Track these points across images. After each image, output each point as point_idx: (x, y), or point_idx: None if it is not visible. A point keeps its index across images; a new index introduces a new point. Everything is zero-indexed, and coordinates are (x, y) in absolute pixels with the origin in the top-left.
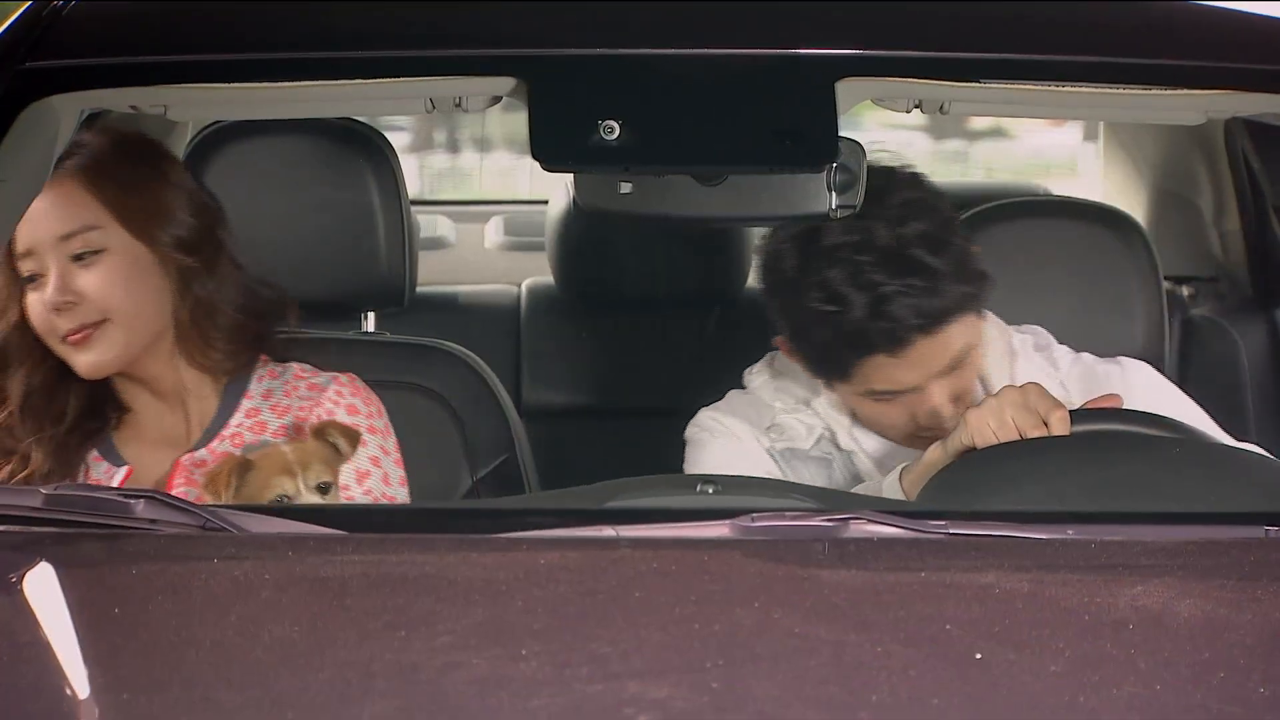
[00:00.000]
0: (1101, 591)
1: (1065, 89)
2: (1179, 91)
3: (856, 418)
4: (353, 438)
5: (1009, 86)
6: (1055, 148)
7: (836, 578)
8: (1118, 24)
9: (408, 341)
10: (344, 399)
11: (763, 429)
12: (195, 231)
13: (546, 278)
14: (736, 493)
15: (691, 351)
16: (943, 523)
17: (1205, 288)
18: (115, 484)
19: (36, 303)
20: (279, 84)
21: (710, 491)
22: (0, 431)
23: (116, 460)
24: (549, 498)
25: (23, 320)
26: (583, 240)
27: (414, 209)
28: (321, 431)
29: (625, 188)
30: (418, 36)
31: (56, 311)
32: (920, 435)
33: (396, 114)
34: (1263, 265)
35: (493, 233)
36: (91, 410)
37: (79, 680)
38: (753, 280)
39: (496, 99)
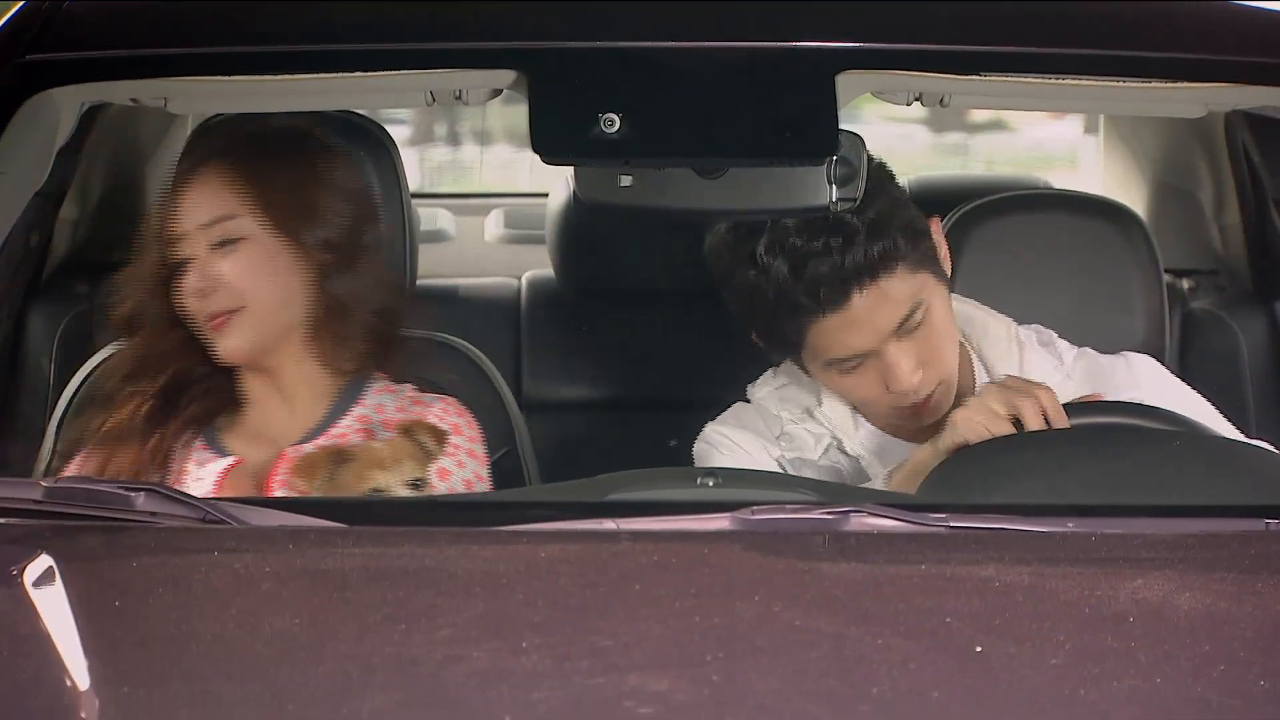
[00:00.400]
0: (1102, 585)
1: (1066, 82)
2: (1179, 85)
3: (859, 410)
4: (439, 436)
5: (1009, 80)
6: (1055, 141)
7: (837, 571)
8: (1118, 17)
9: (408, 334)
10: (449, 417)
11: (772, 438)
12: (343, 231)
13: (547, 271)
14: (737, 485)
15: (692, 344)
16: (943, 516)
17: (1205, 281)
18: (219, 471)
19: (184, 288)
20: (280, 77)
21: (711, 484)
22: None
23: (221, 450)
24: (549, 491)
25: (152, 297)
26: (583, 233)
27: (414, 202)
28: (409, 430)
29: (625, 181)
30: (418, 29)
31: (198, 296)
32: (901, 408)
33: (397, 107)
34: (1263, 258)
35: (493, 226)
36: (195, 391)
37: (79, 673)
38: None
39: (497, 92)
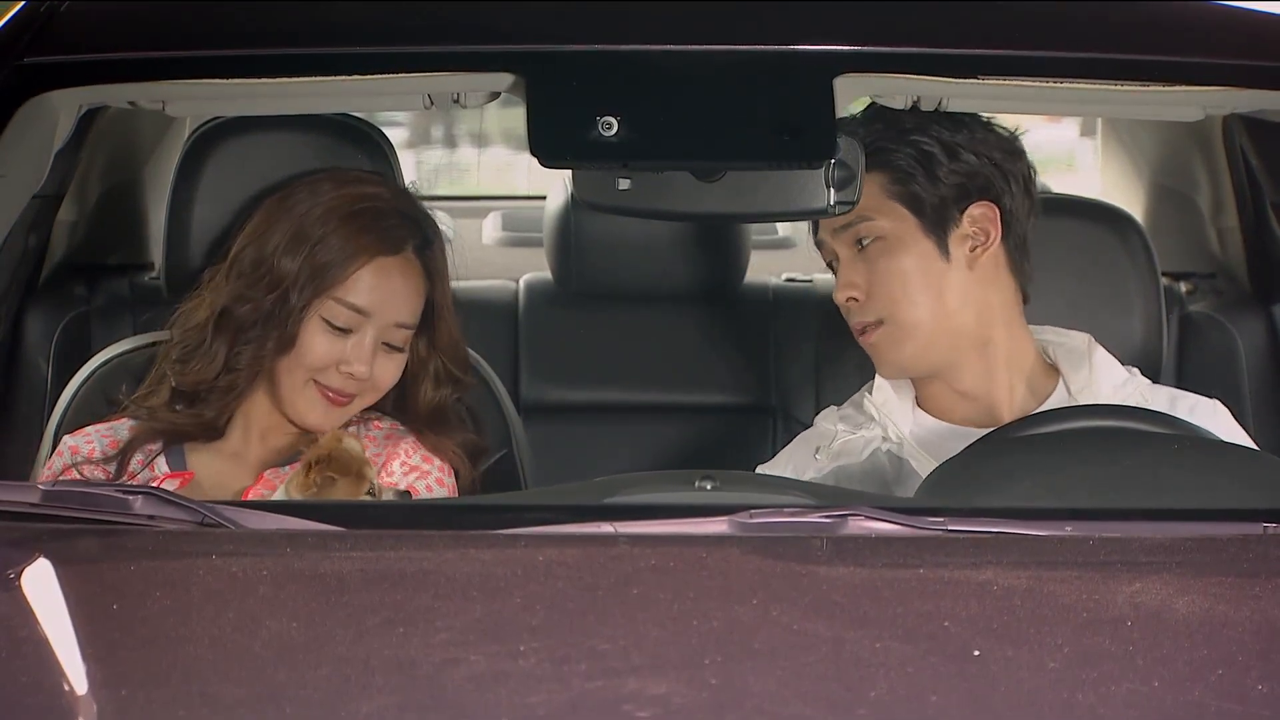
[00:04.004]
0: (1100, 588)
1: (1063, 85)
2: (1177, 88)
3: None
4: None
5: (1007, 82)
6: (1053, 144)
7: (835, 574)
8: (1116, 20)
9: None
10: (419, 450)
11: (810, 458)
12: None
13: (545, 273)
14: (735, 489)
15: (690, 347)
16: (941, 519)
17: (1203, 284)
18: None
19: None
20: (277, 80)
21: (709, 487)
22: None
23: (180, 464)
24: (547, 494)
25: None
26: (581, 236)
27: None
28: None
29: (624, 184)
30: (416, 32)
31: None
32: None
33: (394, 109)
34: (1261, 261)
35: (491, 228)
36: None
37: (77, 676)
38: (751, 275)
39: (495, 95)
